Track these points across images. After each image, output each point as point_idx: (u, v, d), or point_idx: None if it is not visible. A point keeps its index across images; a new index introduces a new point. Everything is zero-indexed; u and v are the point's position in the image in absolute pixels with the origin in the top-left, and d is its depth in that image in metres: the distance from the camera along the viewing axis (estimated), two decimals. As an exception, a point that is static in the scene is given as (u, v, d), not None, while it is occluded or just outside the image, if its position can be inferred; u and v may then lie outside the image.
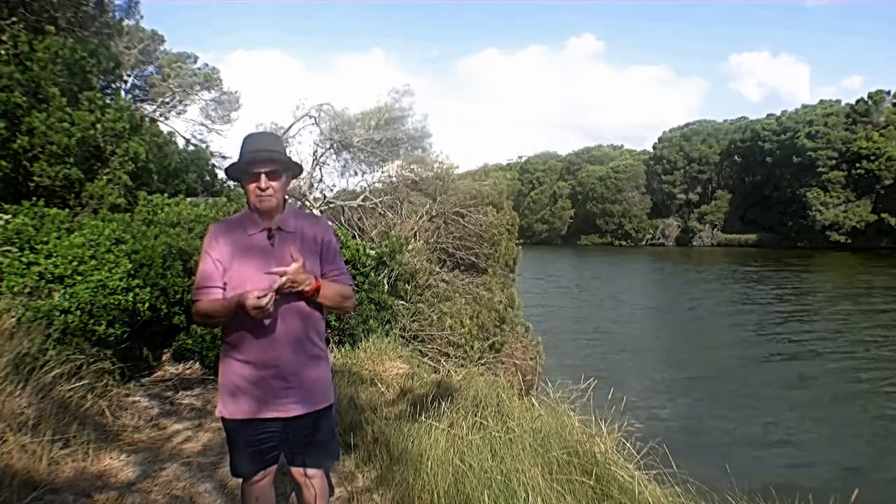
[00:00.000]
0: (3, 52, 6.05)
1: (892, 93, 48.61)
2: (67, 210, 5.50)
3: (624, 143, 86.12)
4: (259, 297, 1.75)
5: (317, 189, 12.30)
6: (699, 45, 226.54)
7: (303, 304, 1.94)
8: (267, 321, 1.88)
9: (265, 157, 1.91)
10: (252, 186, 1.91)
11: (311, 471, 2.05)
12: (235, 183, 10.34)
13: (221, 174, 10.89)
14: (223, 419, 1.98)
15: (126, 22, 13.43)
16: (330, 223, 2.23)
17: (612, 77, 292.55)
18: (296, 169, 2.07)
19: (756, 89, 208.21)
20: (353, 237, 9.06)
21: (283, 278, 1.82)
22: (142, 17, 13.95)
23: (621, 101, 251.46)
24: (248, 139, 1.99)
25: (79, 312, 3.98)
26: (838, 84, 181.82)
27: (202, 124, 18.06)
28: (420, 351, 8.16)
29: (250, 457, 1.98)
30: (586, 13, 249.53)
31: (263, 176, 1.90)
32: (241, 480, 2.09)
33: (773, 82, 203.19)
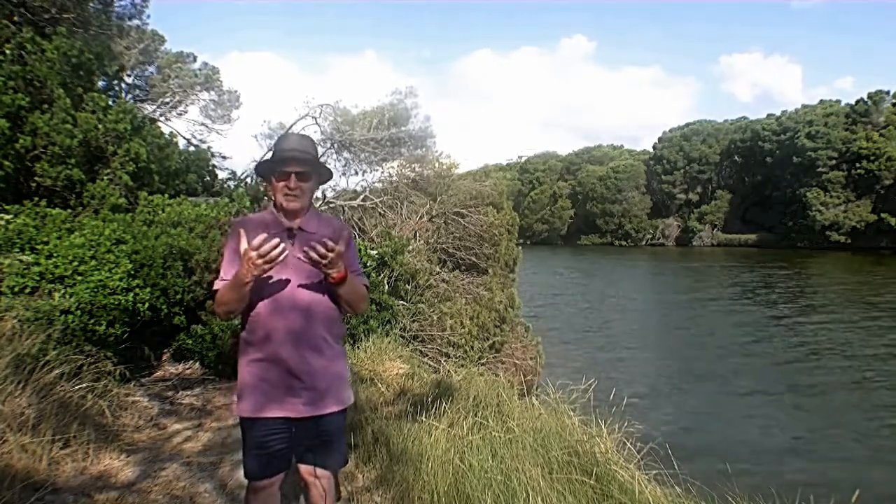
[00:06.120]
0: (7, 51, 6.05)
1: (891, 93, 48.69)
2: (69, 210, 5.50)
3: (620, 143, 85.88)
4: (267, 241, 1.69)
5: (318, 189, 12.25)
6: (690, 46, 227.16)
7: (320, 300, 1.93)
8: (276, 320, 1.87)
9: (299, 157, 1.93)
10: (281, 185, 1.92)
11: (319, 471, 2.03)
12: (239, 182, 10.23)
13: (222, 174, 10.90)
14: (240, 417, 1.98)
15: (129, 22, 13.39)
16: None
17: (605, 78, 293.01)
18: (326, 174, 2.08)
19: (749, 90, 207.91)
20: (354, 237, 9.06)
21: (327, 250, 1.74)
22: (149, 16, 13.89)
23: (615, 102, 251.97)
24: (284, 138, 2.01)
25: (79, 312, 3.98)
26: (831, 84, 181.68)
27: (202, 124, 18.00)
28: (420, 351, 8.17)
29: (257, 457, 1.96)
30: (577, 13, 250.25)
31: (294, 176, 1.91)
32: (246, 482, 2.06)
33: (765, 83, 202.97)
